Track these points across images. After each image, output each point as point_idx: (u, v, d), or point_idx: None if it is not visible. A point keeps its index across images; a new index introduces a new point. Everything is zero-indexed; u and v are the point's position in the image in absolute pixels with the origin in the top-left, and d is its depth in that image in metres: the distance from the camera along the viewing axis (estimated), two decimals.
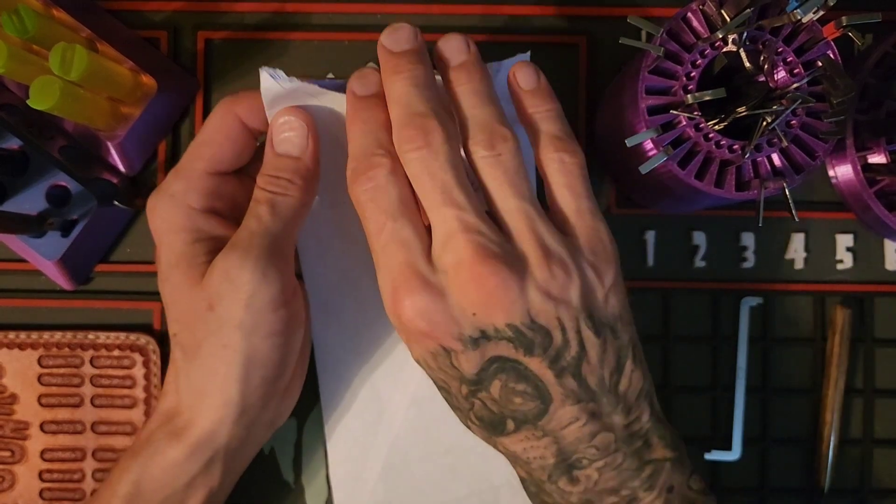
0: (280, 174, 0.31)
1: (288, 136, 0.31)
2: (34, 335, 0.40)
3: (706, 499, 0.30)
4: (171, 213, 0.32)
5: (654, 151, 0.32)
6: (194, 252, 0.32)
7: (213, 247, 0.32)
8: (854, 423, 0.40)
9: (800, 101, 0.30)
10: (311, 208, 0.33)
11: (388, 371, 0.38)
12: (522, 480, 0.31)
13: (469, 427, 0.31)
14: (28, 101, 0.33)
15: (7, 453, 0.40)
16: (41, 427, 0.40)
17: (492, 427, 0.29)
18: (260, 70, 0.31)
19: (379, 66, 0.30)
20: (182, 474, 0.32)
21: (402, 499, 0.38)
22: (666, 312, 0.40)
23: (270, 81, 0.31)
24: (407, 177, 0.28)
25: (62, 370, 0.40)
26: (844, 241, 0.41)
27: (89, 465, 0.40)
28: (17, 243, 0.39)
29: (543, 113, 0.30)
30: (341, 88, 0.31)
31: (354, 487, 0.39)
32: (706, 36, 0.31)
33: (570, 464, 0.29)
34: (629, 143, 0.31)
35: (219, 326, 0.31)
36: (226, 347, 0.31)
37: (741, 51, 0.31)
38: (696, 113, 0.31)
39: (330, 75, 0.29)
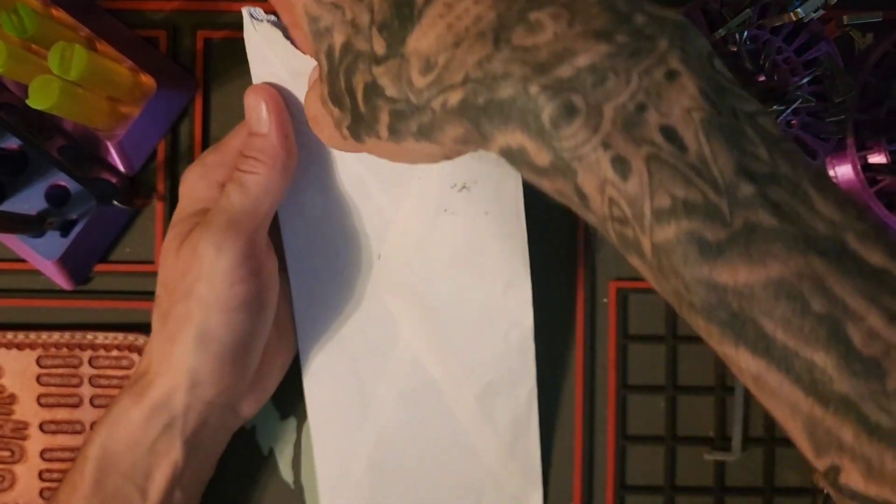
0: (249, 152, 0.32)
1: (255, 114, 0.32)
2: (33, 335, 0.39)
3: (737, 89, 0.20)
4: (193, 179, 0.34)
5: None
6: (191, 221, 0.32)
7: None
8: None
9: (800, 100, 0.30)
10: (283, 186, 0.33)
11: (373, 364, 0.37)
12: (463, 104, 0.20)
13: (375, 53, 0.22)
14: (27, 101, 0.33)
15: (7, 453, 0.40)
16: (40, 427, 0.40)
17: (398, 6, 0.21)
18: (242, 10, 0.31)
19: None
20: (142, 438, 0.32)
21: (388, 495, 0.38)
22: (667, 313, 0.40)
23: (250, 26, 0.31)
24: None
25: (61, 370, 0.40)
26: None
27: None
28: (16, 243, 0.39)
29: None
30: None
31: (339, 482, 0.38)
32: (707, 35, 0.31)
33: (520, 7, 0.19)
34: None
35: (186, 295, 0.31)
36: (188, 317, 0.31)
37: (742, 50, 0.31)
38: None
39: None
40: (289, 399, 0.39)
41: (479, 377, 0.37)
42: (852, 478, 0.18)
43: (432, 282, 0.36)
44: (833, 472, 0.18)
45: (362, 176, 0.34)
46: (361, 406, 0.38)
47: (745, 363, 0.19)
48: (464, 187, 0.34)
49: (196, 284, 0.31)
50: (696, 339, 0.40)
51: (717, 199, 0.18)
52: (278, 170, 0.32)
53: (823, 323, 0.17)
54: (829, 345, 0.17)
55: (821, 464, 0.19)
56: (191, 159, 0.40)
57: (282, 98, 0.32)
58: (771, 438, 0.40)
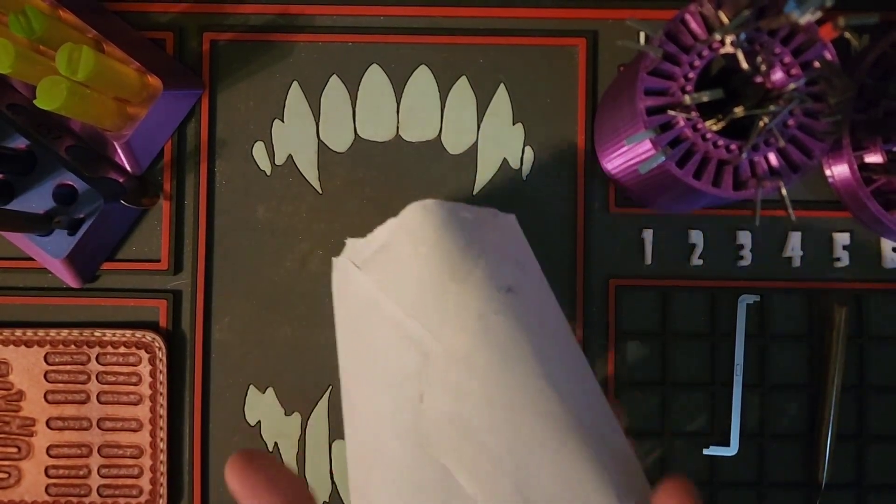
0: None
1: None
2: (41, 332, 0.40)
3: None
4: None
5: (653, 151, 0.32)
6: None
7: None
8: (851, 418, 0.41)
9: (797, 101, 0.30)
10: None
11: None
12: None
13: None
14: (35, 101, 0.33)
15: (14, 449, 0.40)
16: (47, 423, 0.40)
17: None
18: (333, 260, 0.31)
19: None
20: None
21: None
22: (664, 310, 0.41)
23: (336, 268, 0.31)
24: None
25: (68, 367, 0.40)
26: (841, 239, 0.41)
27: (95, 461, 0.40)
28: (24, 241, 0.39)
29: None
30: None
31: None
32: (704, 37, 0.31)
33: None
34: (628, 143, 0.31)
35: None
36: None
37: (739, 52, 0.31)
38: (694, 113, 0.31)
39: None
40: (293, 396, 0.40)
41: None
42: None
43: (485, 412, 0.29)
44: None
45: (395, 317, 0.30)
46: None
47: None
48: (510, 290, 0.31)
49: None
50: (688, 337, 0.40)
51: None
52: None
53: None
54: None
55: None
56: (197, 159, 0.41)
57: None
58: (769, 435, 0.41)
